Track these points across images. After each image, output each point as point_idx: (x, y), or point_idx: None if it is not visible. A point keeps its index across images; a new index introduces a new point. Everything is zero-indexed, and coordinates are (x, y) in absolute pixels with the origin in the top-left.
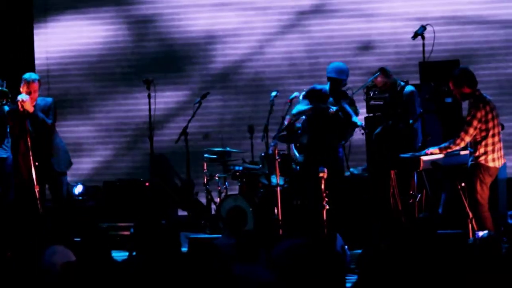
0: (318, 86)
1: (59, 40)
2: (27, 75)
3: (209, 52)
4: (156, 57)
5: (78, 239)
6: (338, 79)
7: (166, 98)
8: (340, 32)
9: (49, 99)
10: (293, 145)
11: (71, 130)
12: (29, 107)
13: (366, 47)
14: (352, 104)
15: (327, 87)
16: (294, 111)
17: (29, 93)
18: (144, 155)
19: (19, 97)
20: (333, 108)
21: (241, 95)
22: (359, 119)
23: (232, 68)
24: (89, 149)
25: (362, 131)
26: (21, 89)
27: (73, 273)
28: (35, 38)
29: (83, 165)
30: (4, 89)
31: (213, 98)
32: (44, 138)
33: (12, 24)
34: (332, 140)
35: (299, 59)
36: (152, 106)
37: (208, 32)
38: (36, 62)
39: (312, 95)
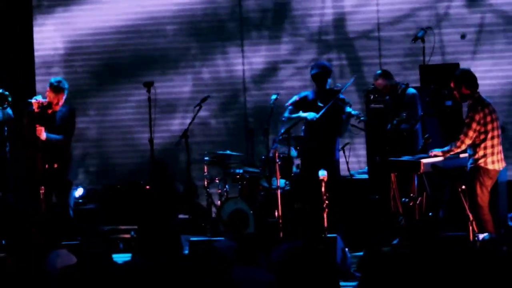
0: (303, 94)
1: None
2: (52, 79)
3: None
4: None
5: (75, 242)
6: (317, 73)
7: (261, 52)
8: None
9: (71, 107)
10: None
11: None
12: (41, 135)
13: None
14: (343, 102)
15: (310, 93)
16: (283, 118)
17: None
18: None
19: (34, 98)
20: (316, 116)
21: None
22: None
23: (329, 22)
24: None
25: (358, 120)
26: (46, 93)
27: (72, 276)
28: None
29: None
30: (5, 92)
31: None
32: (58, 146)
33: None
34: (329, 140)
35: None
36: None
37: None
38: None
39: (298, 104)
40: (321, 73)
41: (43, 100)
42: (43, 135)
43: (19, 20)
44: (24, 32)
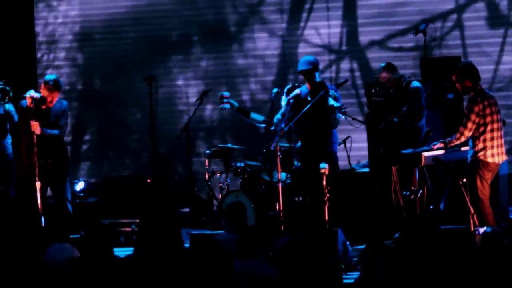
0: (295, 92)
1: None
2: (47, 77)
3: None
4: None
5: (77, 235)
6: (304, 70)
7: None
8: None
9: (64, 103)
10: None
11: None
12: (37, 129)
13: None
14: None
15: (302, 88)
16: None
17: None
18: None
19: (28, 93)
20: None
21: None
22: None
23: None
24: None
25: (341, 111)
26: (41, 90)
27: (76, 270)
28: None
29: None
30: (6, 87)
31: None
32: (52, 141)
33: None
34: (323, 132)
35: None
36: None
37: None
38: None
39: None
40: (307, 70)
41: (37, 95)
42: (38, 130)
43: (19, 10)
44: (25, 22)
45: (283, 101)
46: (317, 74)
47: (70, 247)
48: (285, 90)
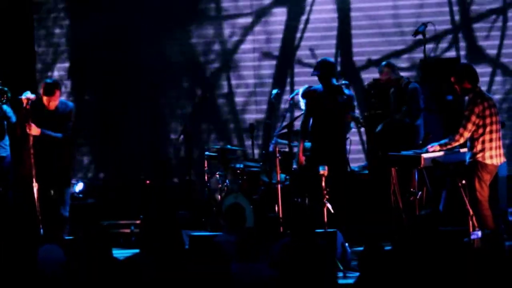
0: (313, 87)
1: None
2: (46, 81)
3: None
4: None
5: (70, 237)
6: (319, 75)
7: None
8: None
9: (70, 105)
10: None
11: None
12: (32, 131)
13: None
14: (350, 100)
15: (319, 87)
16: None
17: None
18: None
19: (24, 95)
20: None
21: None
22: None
23: None
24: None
25: (359, 126)
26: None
27: (62, 272)
28: None
29: None
30: (4, 88)
31: None
32: (57, 143)
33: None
34: (339, 137)
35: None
36: None
37: None
38: None
39: (309, 96)
40: (322, 75)
41: (32, 97)
42: (35, 131)
43: (19, 15)
44: (25, 27)
45: (301, 102)
46: (332, 78)
47: (58, 249)
48: (301, 92)
